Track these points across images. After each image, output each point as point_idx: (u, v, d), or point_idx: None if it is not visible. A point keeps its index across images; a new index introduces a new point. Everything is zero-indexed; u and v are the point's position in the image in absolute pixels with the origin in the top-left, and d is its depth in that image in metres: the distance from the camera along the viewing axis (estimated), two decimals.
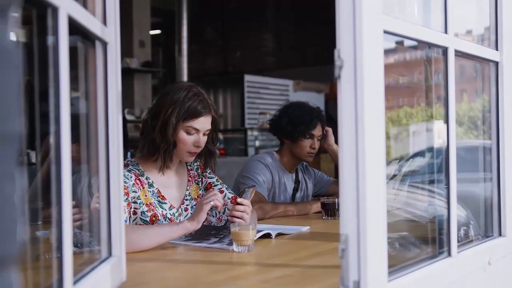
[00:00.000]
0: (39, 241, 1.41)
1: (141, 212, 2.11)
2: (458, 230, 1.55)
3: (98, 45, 1.30)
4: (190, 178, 2.33)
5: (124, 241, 1.38)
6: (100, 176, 1.33)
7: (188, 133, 2.15)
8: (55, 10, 0.97)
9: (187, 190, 2.30)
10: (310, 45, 8.54)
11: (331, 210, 2.60)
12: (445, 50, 1.48)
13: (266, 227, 2.18)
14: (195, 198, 2.31)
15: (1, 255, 0.53)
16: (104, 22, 1.32)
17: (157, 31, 9.59)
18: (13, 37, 0.56)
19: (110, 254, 1.34)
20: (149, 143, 2.17)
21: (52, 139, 0.98)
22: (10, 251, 0.54)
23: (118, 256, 1.35)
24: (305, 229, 2.31)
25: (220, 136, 7.51)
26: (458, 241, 1.51)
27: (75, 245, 1.18)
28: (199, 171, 2.37)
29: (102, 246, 1.32)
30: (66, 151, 0.98)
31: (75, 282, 1.06)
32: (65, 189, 0.98)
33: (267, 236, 2.07)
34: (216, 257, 1.78)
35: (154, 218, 2.13)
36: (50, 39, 0.98)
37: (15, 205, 0.55)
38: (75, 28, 1.08)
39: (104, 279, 1.24)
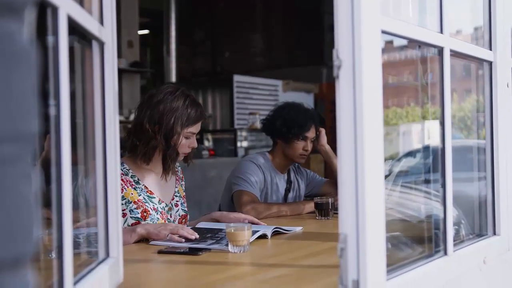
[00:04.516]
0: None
1: (129, 210, 2.13)
2: None
3: (95, 45, 1.29)
4: (177, 177, 2.41)
5: (121, 243, 1.37)
6: (97, 177, 1.32)
7: (187, 137, 2.23)
8: (55, 9, 0.96)
9: (176, 187, 2.37)
10: (299, 45, 8.56)
11: (324, 210, 2.60)
12: (440, 50, 1.48)
13: (261, 227, 2.17)
14: (183, 196, 2.39)
15: (19, 255, 0.52)
16: (101, 22, 1.31)
17: (146, 31, 9.55)
18: (28, 36, 0.55)
19: (107, 255, 1.33)
20: (150, 148, 2.18)
21: (52, 139, 0.97)
22: (27, 251, 0.54)
23: (115, 257, 1.34)
24: (299, 229, 2.31)
25: (210, 136, 7.50)
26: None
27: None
28: (181, 175, 2.46)
29: (100, 247, 1.31)
30: (66, 151, 0.97)
31: (75, 283, 1.05)
32: (65, 191, 0.97)
33: (262, 236, 2.07)
34: (211, 258, 1.77)
35: (145, 214, 2.17)
36: (49, 39, 0.97)
37: (31, 205, 0.54)
38: (72, 27, 1.07)
39: (103, 280, 1.23)
